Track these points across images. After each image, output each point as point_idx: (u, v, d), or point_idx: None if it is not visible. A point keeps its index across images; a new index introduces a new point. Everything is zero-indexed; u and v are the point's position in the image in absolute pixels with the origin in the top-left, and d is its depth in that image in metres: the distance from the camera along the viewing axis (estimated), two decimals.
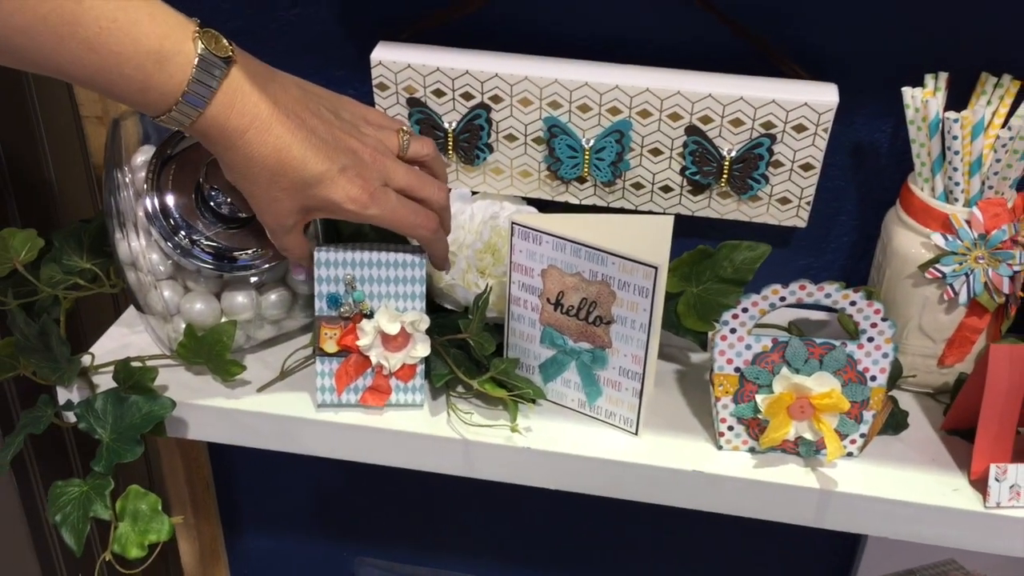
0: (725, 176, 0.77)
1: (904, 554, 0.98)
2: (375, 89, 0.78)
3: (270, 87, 0.60)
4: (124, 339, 0.81)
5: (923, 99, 0.69)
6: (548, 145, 0.78)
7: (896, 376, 0.75)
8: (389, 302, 0.71)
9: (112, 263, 0.78)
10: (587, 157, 0.78)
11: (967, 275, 0.71)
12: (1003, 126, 0.70)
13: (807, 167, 0.75)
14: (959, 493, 0.69)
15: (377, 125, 0.67)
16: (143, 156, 0.73)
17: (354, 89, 0.83)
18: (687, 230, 0.81)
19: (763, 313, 0.67)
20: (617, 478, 0.71)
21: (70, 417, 0.72)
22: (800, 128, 0.73)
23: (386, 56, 0.77)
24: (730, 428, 0.70)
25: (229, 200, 0.71)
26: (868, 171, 0.80)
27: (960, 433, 0.73)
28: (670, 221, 0.71)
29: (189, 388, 0.75)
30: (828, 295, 0.66)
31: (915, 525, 0.69)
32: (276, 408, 0.74)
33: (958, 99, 0.72)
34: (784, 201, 0.78)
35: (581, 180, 0.80)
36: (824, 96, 0.72)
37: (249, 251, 0.73)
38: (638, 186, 0.79)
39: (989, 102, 0.72)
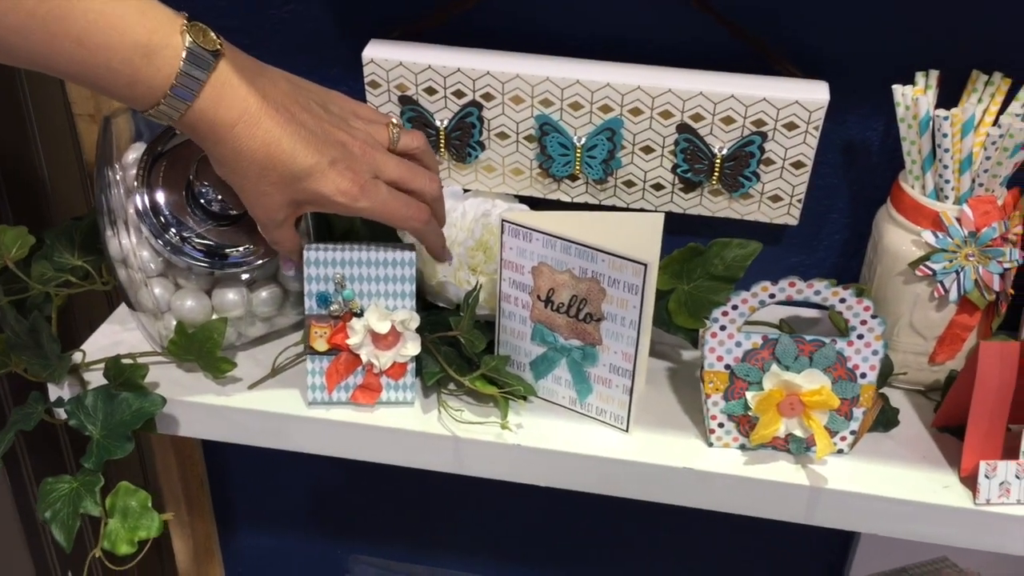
0: (716, 174, 0.77)
1: (897, 552, 0.98)
2: (367, 87, 0.79)
3: (259, 81, 0.60)
4: (116, 336, 0.81)
5: (913, 97, 0.69)
6: (540, 143, 0.78)
7: (887, 373, 0.75)
8: (379, 301, 0.71)
9: (104, 260, 0.78)
10: (579, 155, 0.78)
11: (957, 272, 0.71)
12: (994, 124, 0.70)
13: (798, 165, 0.75)
14: (949, 490, 0.69)
15: (367, 119, 0.67)
16: (134, 154, 0.73)
17: (347, 87, 0.83)
18: (679, 228, 0.81)
19: (753, 310, 0.67)
20: (608, 475, 0.71)
21: (61, 414, 0.72)
22: (791, 126, 0.73)
23: (378, 54, 0.77)
24: (720, 425, 0.70)
25: (220, 197, 0.71)
26: (860, 169, 0.80)
27: (951, 430, 0.73)
28: (660, 219, 0.71)
29: (180, 385, 0.75)
30: (818, 292, 0.66)
31: (905, 522, 0.69)
32: (267, 405, 0.74)
33: (950, 97, 0.72)
34: (776, 199, 0.78)
35: (573, 178, 0.80)
36: (815, 94, 0.72)
37: (240, 248, 0.73)
38: (630, 184, 0.79)
39: (980, 100, 0.72)
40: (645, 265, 0.65)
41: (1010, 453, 0.68)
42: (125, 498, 0.69)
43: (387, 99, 0.79)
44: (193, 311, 0.74)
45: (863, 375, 0.68)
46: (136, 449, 1.10)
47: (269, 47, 0.83)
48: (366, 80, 0.78)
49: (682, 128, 0.75)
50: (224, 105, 0.58)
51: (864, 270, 0.79)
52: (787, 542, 1.02)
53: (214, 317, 0.75)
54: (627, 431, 0.72)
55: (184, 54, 0.56)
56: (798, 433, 0.69)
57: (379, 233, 0.77)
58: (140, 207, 0.71)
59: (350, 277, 0.71)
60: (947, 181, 0.70)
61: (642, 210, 0.80)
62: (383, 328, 0.71)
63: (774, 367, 0.68)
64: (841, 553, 1.02)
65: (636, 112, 0.75)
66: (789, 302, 0.68)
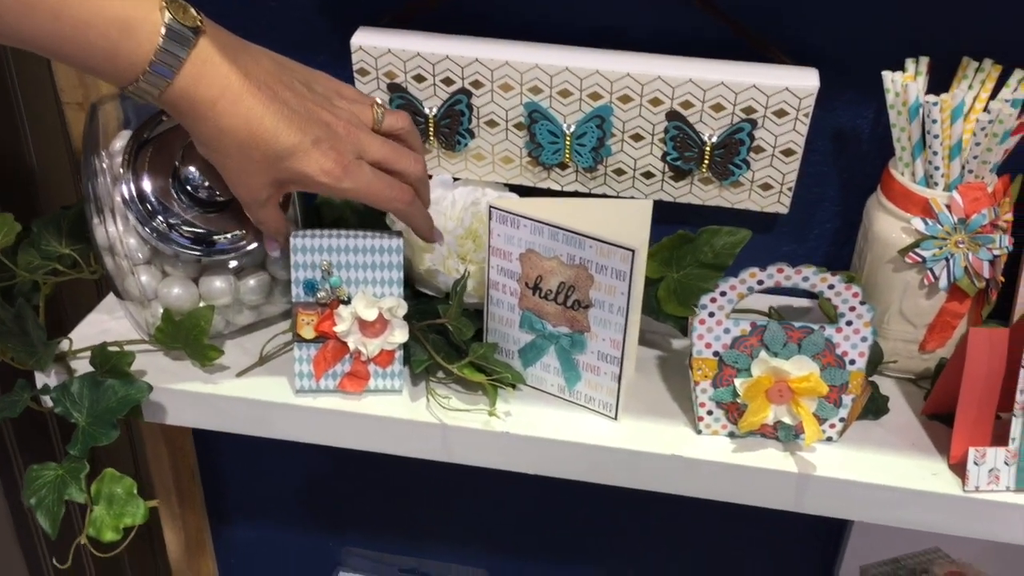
0: (706, 162, 0.76)
1: (889, 542, 0.98)
2: (355, 74, 0.78)
3: (241, 58, 0.60)
4: (104, 325, 0.80)
5: (903, 83, 0.69)
6: (529, 131, 0.78)
7: (876, 361, 0.74)
8: (366, 288, 0.71)
9: (92, 249, 0.77)
10: (568, 143, 0.78)
11: (947, 260, 0.70)
12: (984, 110, 0.70)
13: (788, 152, 0.75)
14: (938, 477, 0.69)
15: (351, 99, 0.66)
16: (121, 142, 0.72)
17: (335, 74, 0.80)
18: (669, 216, 0.81)
19: (741, 297, 0.66)
20: (596, 463, 0.71)
21: (47, 401, 0.72)
22: (781, 113, 0.73)
23: (366, 41, 0.77)
24: (709, 412, 0.70)
25: (207, 183, 0.70)
26: (850, 156, 0.80)
27: (940, 418, 0.73)
28: (649, 205, 0.70)
29: (167, 373, 0.75)
30: (806, 278, 0.65)
31: (894, 509, 0.69)
32: (254, 393, 0.73)
33: (940, 84, 0.72)
34: (766, 187, 0.77)
35: (563, 166, 0.79)
36: (805, 81, 0.72)
37: (228, 235, 0.73)
38: (620, 172, 0.79)
39: (970, 87, 0.71)
40: (633, 251, 0.65)
41: (999, 440, 0.68)
42: (110, 485, 0.69)
43: (376, 87, 0.78)
44: (180, 299, 0.73)
45: (852, 362, 0.67)
46: (127, 441, 1.10)
47: (256, 34, 0.82)
48: (354, 68, 0.78)
49: (672, 115, 0.75)
50: (205, 82, 0.58)
51: (855, 258, 0.78)
52: (779, 531, 1.02)
53: (201, 305, 0.74)
54: (616, 418, 0.72)
55: (163, 30, 0.56)
56: (787, 420, 0.68)
57: (368, 221, 0.77)
58: (126, 195, 0.71)
59: (337, 264, 0.71)
60: (937, 168, 0.70)
61: (632, 198, 0.80)
62: (370, 315, 0.70)
63: (762, 354, 0.67)
64: (833, 543, 1.02)
65: (625, 99, 0.75)
66: (779, 289, 0.68)
